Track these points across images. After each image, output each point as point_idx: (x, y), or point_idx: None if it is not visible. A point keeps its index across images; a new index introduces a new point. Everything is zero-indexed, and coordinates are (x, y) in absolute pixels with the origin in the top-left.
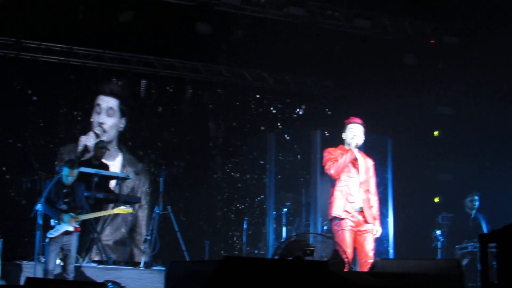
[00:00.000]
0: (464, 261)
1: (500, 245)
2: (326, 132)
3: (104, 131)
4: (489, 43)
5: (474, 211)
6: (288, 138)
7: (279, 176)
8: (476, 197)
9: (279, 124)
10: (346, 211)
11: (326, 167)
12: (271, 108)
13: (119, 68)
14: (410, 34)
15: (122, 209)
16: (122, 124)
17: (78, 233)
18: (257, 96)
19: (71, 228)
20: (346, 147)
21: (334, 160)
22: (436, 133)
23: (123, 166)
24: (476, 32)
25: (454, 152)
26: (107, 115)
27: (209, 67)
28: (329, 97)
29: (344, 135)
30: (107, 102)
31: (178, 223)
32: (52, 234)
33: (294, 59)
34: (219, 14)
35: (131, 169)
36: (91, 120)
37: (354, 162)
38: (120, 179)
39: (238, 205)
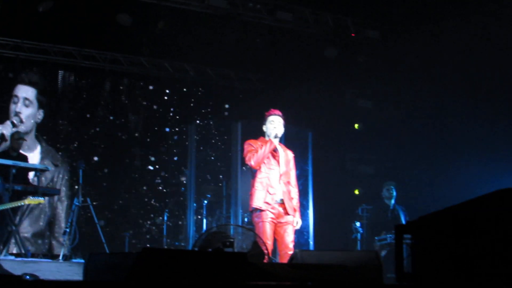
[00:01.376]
0: (383, 252)
1: (414, 236)
2: (247, 124)
3: (21, 121)
4: (410, 37)
5: (392, 202)
6: (209, 130)
7: (199, 168)
8: (392, 186)
9: (200, 116)
10: (266, 202)
11: (246, 158)
12: (192, 100)
13: (38, 58)
14: (331, 28)
15: (32, 200)
16: (40, 115)
17: None
18: (178, 87)
19: None
20: (267, 139)
21: (254, 152)
22: (356, 126)
23: (42, 157)
24: (397, 26)
25: (375, 145)
26: (25, 105)
27: (129, 58)
28: (250, 90)
29: (264, 127)
30: (25, 92)
31: (97, 215)
32: None
33: (216, 51)
34: (141, 5)
35: (50, 160)
36: (9, 109)
37: (275, 154)
38: (39, 171)
39: (158, 197)
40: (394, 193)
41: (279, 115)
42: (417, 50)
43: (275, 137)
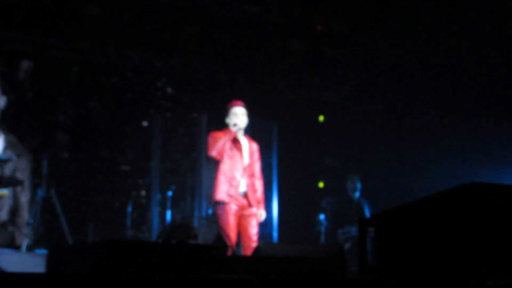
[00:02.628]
0: (346, 246)
1: (378, 229)
2: (212, 116)
3: None
4: (376, 30)
5: (357, 194)
6: (174, 121)
7: (164, 160)
8: (356, 179)
9: (164, 108)
10: (229, 195)
11: (208, 149)
12: (158, 91)
13: (1, 46)
14: (297, 20)
15: None
16: (3, 100)
17: None
18: (144, 78)
19: None
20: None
21: (215, 142)
22: (321, 118)
23: (5, 147)
24: (364, 19)
25: (340, 138)
26: None
27: (95, 48)
28: (216, 81)
29: (227, 119)
30: None
31: (61, 206)
32: None
33: (181, 42)
34: None
35: (13, 150)
36: None
37: (238, 145)
38: (2, 161)
39: (122, 188)
40: (358, 185)
41: (241, 106)
42: (384, 44)
43: (235, 125)
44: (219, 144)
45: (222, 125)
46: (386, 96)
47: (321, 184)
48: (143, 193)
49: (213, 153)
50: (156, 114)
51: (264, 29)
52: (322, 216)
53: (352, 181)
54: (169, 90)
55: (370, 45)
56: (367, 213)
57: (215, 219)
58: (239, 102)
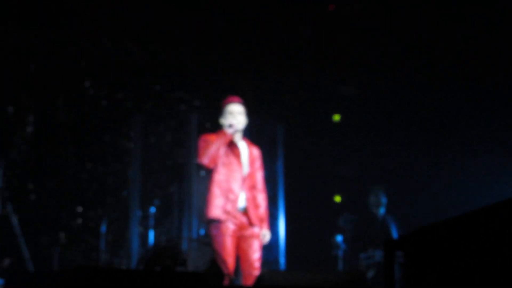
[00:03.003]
0: (370, 273)
1: (408, 253)
2: (204, 115)
3: None
4: (404, 8)
5: (381, 211)
6: (157, 122)
7: (145, 169)
8: (381, 191)
9: (146, 105)
10: (226, 211)
11: (199, 156)
12: (136, 86)
13: None
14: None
15: None
16: None
17: None
18: (120, 69)
19: None
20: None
21: (207, 148)
22: (336, 117)
23: None
24: None
25: (358, 142)
26: None
27: (57, 33)
28: (209, 72)
29: (222, 119)
30: None
31: (20, 225)
32: None
33: (164, 24)
34: None
35: None
36: None
37: (236, 151)
38: None
39: (94, 203)
40: (384, 200)
41: (239, 103)
42: (413, 24)
43: (230, 126)
44: (211, 150)
45: (215, 126)
46: (417, 88)
47: (337, 198)
48: (120, 208)
49: (205, 160)
50: (135, 113)
51: (266, 10)
52: (339, 238)
53: (375, 195)
54: (150, 83)
55: (399, 24)
56: (395, 234)
57: (208, 241)
58: (236, 99)
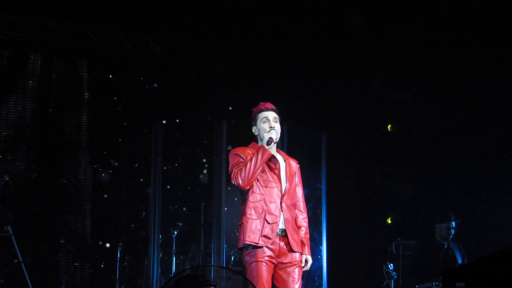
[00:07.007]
0: None
1: (470, 284)
2: (235, 124)
3: None
4: None
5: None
6: (181, 132)
7: (167, 186)
8: (454, 223)
9: (167, 112)
10: (264, 235)
11: (232, 175)
12: (157, 88)
13: None
14: None
15: None
16: None
17: None
18: (137, 70)
19: None
20: (260, 145)
21: (243, 165)
22: (389, 127)
23: None
24: None
25: (416, 154)
26: None
27: (67, 27)
28: (240, 74)
29: (254, 129)
30: None
31: (22, 250)
32: None
33: (190, 20)
34: None
35: None
36: None
37: (273, 166)
38: None
39: (108, 225)
40: (453, 232)
41: (272, 110)
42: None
43: (269, 143)
44: (249, 169)
45: (249, 137)
46: (487, 94)
47: (389, 220)
48: (138, 232)
49: (240, 181)
50: (156, 122)
51: (311, 10)
52: (391, 266)
53: (448, 227)
54: (173, 86)
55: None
56: (460, 261)
57: (240, 270)
58: (268, 104)
